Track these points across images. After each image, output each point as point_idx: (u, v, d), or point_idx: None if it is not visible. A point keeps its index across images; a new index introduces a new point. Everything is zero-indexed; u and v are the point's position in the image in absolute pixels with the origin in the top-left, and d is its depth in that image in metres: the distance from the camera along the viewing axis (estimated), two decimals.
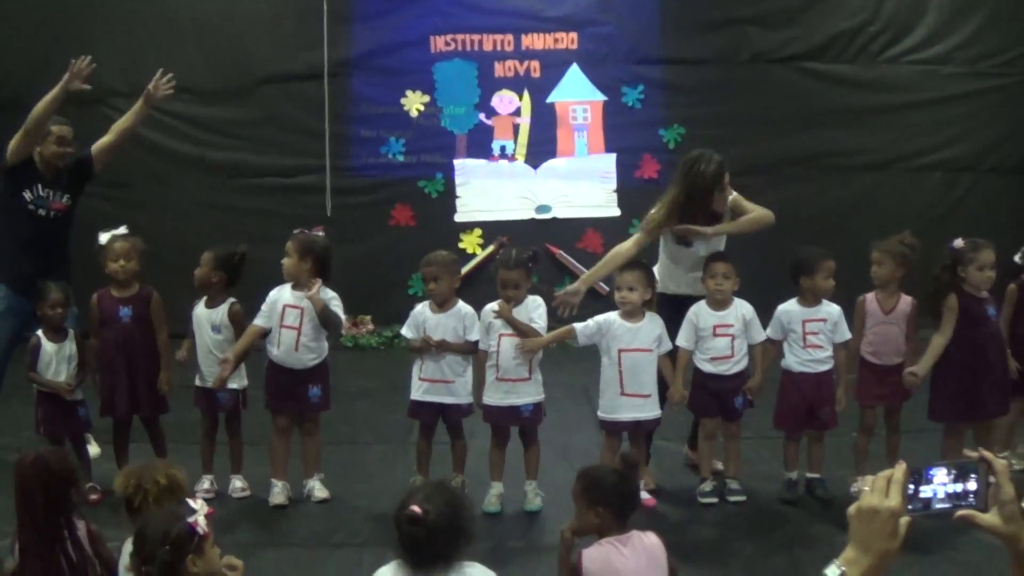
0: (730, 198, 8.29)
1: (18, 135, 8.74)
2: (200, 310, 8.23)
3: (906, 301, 8.11)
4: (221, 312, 8.20)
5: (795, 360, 8.02)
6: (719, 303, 8.01)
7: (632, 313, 7.84)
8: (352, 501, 8.02)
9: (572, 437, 8.80)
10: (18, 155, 8.70)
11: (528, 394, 7.81)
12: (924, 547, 6.49)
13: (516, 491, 7.89)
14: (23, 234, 8.81)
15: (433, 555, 4.41)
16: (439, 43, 14.07)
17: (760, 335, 8.08)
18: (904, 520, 2.66)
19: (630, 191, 13.99)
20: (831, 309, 8.04)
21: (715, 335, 7.97)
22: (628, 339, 7.78)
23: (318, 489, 8.08)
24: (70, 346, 8.16)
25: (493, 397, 7.84)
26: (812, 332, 7.98)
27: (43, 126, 8.70)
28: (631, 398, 7.79)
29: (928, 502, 2.76)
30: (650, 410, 7.86)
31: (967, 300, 7.90)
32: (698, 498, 7.93)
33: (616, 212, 14.05)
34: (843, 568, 2.65)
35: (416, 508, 4.37)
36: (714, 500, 7.90)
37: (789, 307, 8.08)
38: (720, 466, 8.22)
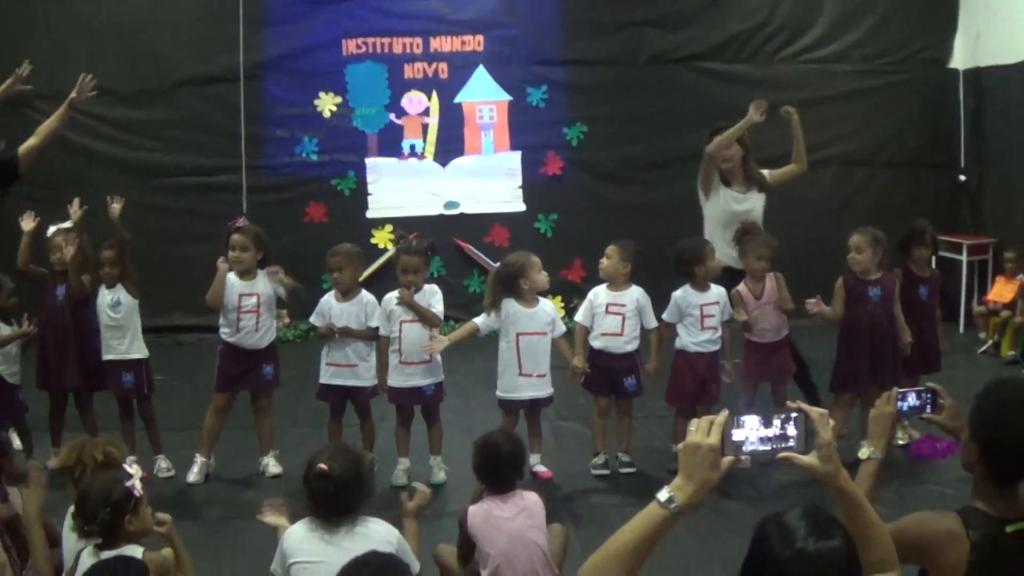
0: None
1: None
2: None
3: (771, 280, 8.76)
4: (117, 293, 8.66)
5: (691, 341, 8.54)
6: (610, 283, 8.57)
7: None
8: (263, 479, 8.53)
9: (474, 417, 9.16)
10: None
11: (429, 375, 8.30)
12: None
13: (422, 466, 8.35)
14: None
15: (340, 507, 4.95)
16: (351, 46, 14.22)
17: (653, 321, 8.57)
18: (727, 459, 3.17)
19: (535, 187, 14.37)
20: (720, 291, 8.58)
21: (607, 312, 8.47)
22: (525, 323, 8.25)
23: (272, 465, 8.58)
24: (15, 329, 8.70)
25: (397, 379, 8.29)
26: (709, 315, 8.52)
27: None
28: (528, 378, 8.27)
29: (741, 444, 3.27)
30: (545, 389, 8.37)
31: (852, 281, 8.51)
32: (591, 470, 8.44)
33: (522, 207, 14.35)
34: (672, 493, 3.12)
35: (323, 465, 4.91)
36: (606, 472, 8.40)
37: (685, 293, 8.57)
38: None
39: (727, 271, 9.12)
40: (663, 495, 3.12)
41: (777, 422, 3.29)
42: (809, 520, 3.00)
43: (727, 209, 9.35)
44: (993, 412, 3.70)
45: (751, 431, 3.27)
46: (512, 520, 5.68)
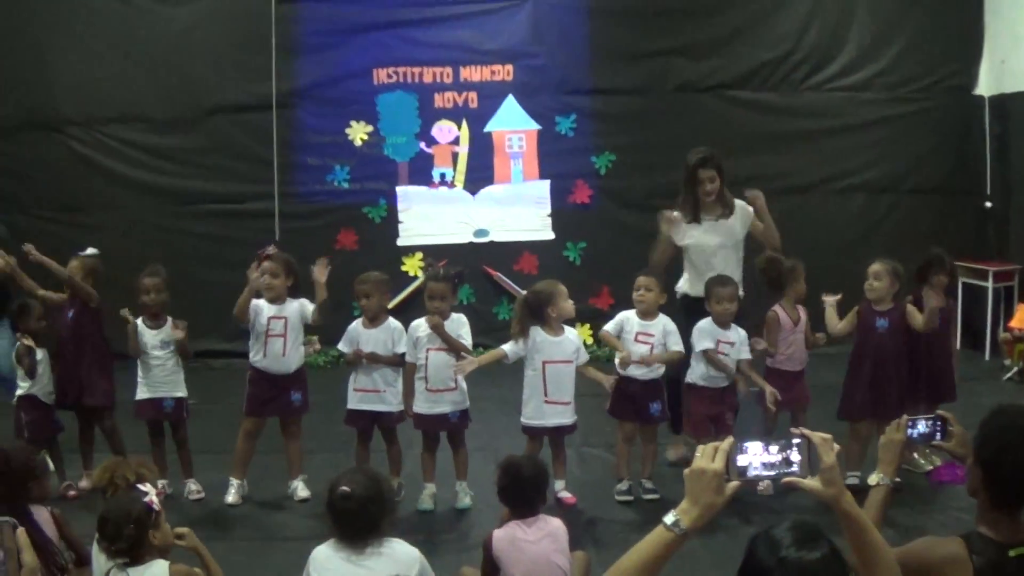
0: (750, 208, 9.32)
1: None
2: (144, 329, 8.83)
3: (804, 311, 8.92)
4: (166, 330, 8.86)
5: (700, 376, 8.70)
6: (645, 313, 8.61)
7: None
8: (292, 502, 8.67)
9: (500, 442, 9.28)
10: None
11: (455, 402, 8.42)
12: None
13: (448, 491, 8.48)
14: None
15: (364, 527, 5.07)
16: (382, 75, 14.35)
17: (678, 345, 8.65)
18: (732, 484, 3.31)
19: (564, 215, 14.45)
20: (740, 333, 8.72)
21: (636, 340, 8.56)
22: (552, 351, 8.34)
23: (301, 489, 8.72)
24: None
25: (423, 406, 8.41)
26: (723, 352, 8.64)
27: None
28: (554, 405, 8.36)
29: (745, 470, 3.40)
30: (570, 416, 8.46)
31: (865, 310, 8.60)
32: (615, 496, 8.54)
33: (551, 235, 14.41)
34: (677, 516, 3.28)
35: (345, 488, 5.04)
36: (630, 498, 8.50)
37: (711, 327, 8.70)
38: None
39: (693, 300, 9.29)
40: (669, 518, 3.27)
41: (777, 448, 3.41)
42: (795, 532, 3.14)
43: (700, 243, 9.36)
44: (995, 438, 3.80)
45: (754, 456, 3.40)
46: (536, 544, 5.80)
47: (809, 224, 13.55)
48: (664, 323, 8.66)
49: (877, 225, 14.35)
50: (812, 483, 3.43)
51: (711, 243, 9.28)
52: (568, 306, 8.43)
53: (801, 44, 14.44)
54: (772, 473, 3.46)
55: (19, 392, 8.85)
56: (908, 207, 14.61)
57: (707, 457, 3.31)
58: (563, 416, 8.45)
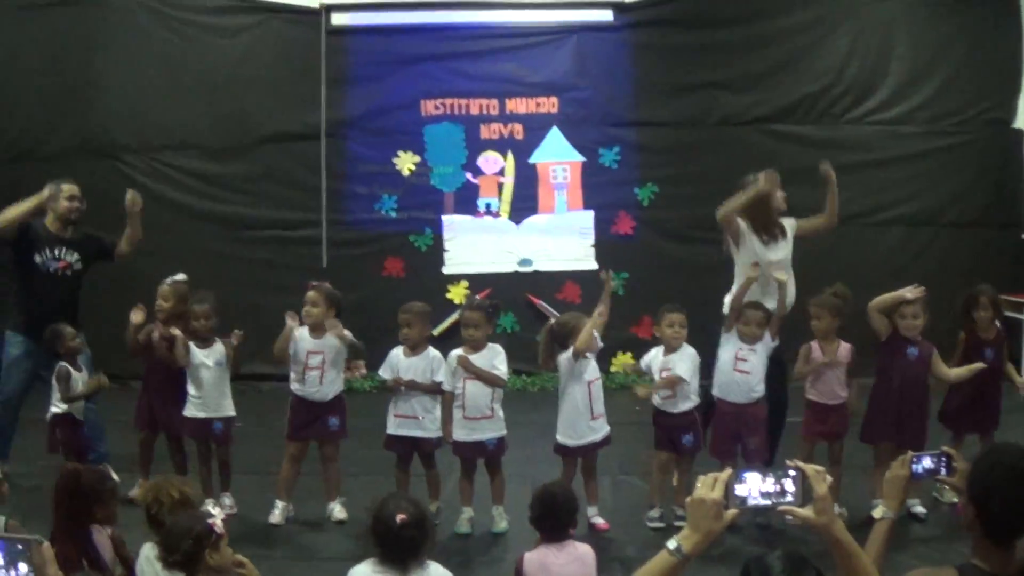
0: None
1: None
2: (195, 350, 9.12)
3: (845, 348, 8.93)
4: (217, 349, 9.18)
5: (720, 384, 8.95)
6: (671, 348, 8.80)
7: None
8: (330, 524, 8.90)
9: (537, 468, 9.34)
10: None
11: (492, 430, 8.65)
12: None
13: (485, 515, 8.68)
14: (34, 290, 9.78)
15: (410, 553, 5.21)
16: (429, 107, 14.59)
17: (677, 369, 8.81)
18: (730, 512, 3.56)
19: (607, 245, 14.60)
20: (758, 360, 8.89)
21: (663, 376, 8.75)
22: (593, 370, 8.65)
23: (338, 511, 8.94)
24: (84, 375, 9.24)
25: (460, 434, 8.64)
26: (742, 358, 8.85)
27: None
28: (597, 420, 8.64)
29: (744, 499, 3.63)
30: (606, 428, 8.75)
31: (896, 339, 8.74)
32: (646, 522, 8.72)
33: (594, 265, 14.35)
34: (679, 542, 3.56)
35: (403, 516, 5.18)
36: (661, 525, 8.65)
37: (734, 334, 8.90)
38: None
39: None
40: (672, 544, 3.55)
41: (774, 478, 3.63)
42: (785, 561, 3.38)
43: (764, 259, 9.39)
44: (984, 475, 3.96)
45: (753, 486, 3.62)
46: (565, 567, 5.99)
47: (847, 257, 13.56)
48: (691, 354, 8.84)
49: (916, 258, 14.37)
50: (805, 512, 3.66)
51: (773, 259, 9.43)
52: (595, 341, 8.63)
53: (842, 78, 14.58)
54: (768, 502, 3.68)
55: (54, 410, 9.12)
56: (947, 240, 14.72)
57: (707, 487, 3.56)
58: (602, 430, 8.70)
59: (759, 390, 8.86)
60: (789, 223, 9.59)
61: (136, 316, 9.28)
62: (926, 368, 8.83)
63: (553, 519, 6.18)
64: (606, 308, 8.65)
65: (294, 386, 9.00)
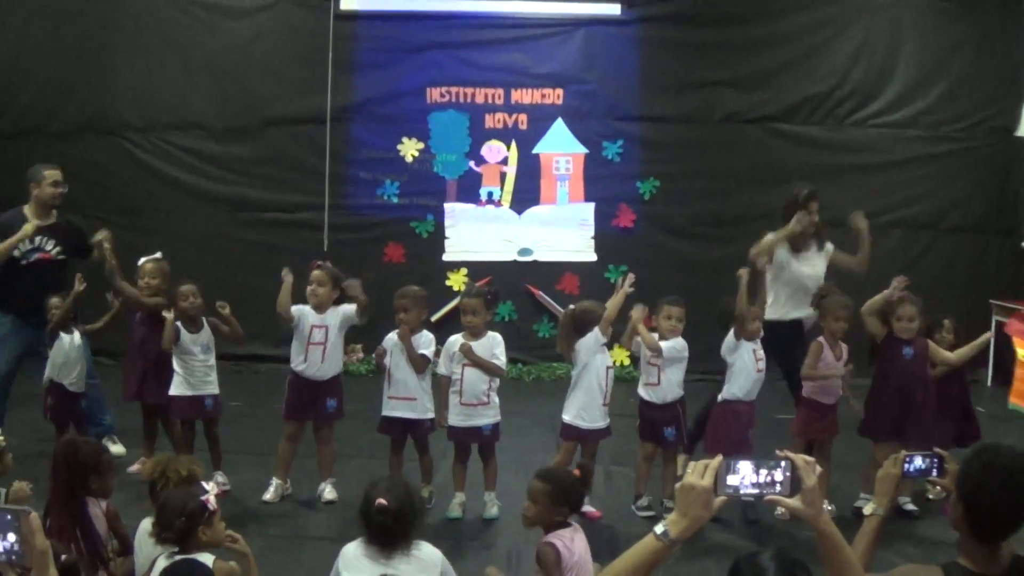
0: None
1: None
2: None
3: (845, 349, 9.01)
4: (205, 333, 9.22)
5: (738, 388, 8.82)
6: (665, 340, 8.82)
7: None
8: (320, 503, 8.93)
9: (530, 456, 9.47)
10: None
11: (487, 416, 8.64)
12: None
13: (477, 501, 8.70)
14: (16, 280, 9.79)
15: (398, 536, 5.26)
16: (435, 94, 14.67)
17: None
18: (719, 499, 3.59)
19: (607, 238, 14.69)
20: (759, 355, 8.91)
21: (649, 363, 8.83)
22: (608, 358, 8.77)
23: (328, 492, 8.95)
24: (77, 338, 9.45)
25: (456, 419, 8.64)
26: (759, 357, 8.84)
27: None
28: (605, 408, 8.69)
29: (736, 488, 3.65)
30: (608, 419, 8.78)
31: (892, 341, 8.77)
32: (636, 512, 8.77)
33: (593, 257, 14.66)
34: (666, 527, 3.60)
35: (382, 500, 5.23)
36: (651, 513, 8.69)
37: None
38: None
39: (775, 323, 9.49)
40: (659, 528, 3.59)
41: (764, 469, 3.67)
42: (777, 560, 3.42)
43: (796, 272, 9.69)
44: (975, 475, 4.00)
45: (744, 476, 3.64)
46: (580, 544, 6.07)
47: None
48: (673, 344, 8.85)
49: (915, 262, 14.26)
50: (793, 502, 3.67)
51: (806, 272, 9.61)
52: (608, 331, 8.69)
53: (847, 80, 14.61)
54: (758, 492, 3.68)
55: (48, 376, 9.32)
56: (946, 245, 14.78)
57: (697, 474, 3.58)
58: (608, 417, 8.77)
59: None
60: (828, 246, 9.88)
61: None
62: (924, 365, 8.87)
63: (579, 498, 6.34)
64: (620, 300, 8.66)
65: (295, 363, 9.00)
